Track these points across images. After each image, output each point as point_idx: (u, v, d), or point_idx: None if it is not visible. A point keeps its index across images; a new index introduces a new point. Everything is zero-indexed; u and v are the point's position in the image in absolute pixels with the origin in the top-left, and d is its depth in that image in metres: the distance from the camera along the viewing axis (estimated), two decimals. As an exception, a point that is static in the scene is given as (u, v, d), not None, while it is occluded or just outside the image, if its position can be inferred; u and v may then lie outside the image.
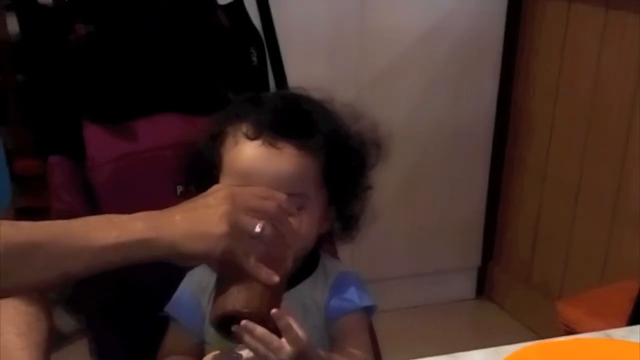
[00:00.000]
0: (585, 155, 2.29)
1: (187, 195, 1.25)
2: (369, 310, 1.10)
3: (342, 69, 2.32)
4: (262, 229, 0.94)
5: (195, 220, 0.93)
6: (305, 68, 1.94)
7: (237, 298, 0.94)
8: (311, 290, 1.08)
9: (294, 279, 1.04)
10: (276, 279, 0.94)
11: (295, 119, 1.05)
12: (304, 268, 1.08)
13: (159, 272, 1.11)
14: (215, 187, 1.00)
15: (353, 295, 1.08)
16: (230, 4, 1.40)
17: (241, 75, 1.37)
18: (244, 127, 1.05)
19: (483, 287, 2.78)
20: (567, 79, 2.34)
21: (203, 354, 1.09)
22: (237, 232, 0.93)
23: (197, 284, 1.12)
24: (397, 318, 2.42)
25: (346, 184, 1.08)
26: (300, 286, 1.07)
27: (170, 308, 1.13)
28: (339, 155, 1.06)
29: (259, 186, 1.00)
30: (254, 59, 1.39)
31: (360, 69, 2.35)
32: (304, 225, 1.03)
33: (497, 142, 2.60)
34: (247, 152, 1.03)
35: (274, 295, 0.95)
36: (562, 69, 2.35)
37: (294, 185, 1.02)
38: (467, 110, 2.52)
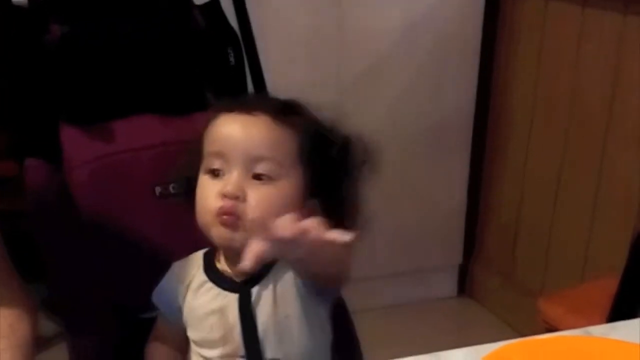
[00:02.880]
0: (565, 152, 2.30)
1: (166, 195, 1.25)
2: None
3: (322, 69, 2.32)
4: None
5: None
6: (285, 69, 1.94)
7: None
8: (278, 278, 1.06)
9: (260, 274, 1.04)
10: None
11: (276, 100, 1.08)
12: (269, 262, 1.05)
13: (141, 273, 1.11)
14: None
15: None
16: (206, 4, 1.40)
17: (219, 76, 1.36)
18: (223, 106, 1.07)
19: (464, 285, 2.78)
20: (545, 76, 2.35)
21: (187, 343, 1.10)
22: None
23: (176, 276, 1.13)
24: (378, 317, 2.42)
25: (327, 173, 1.07)
26: (266, 279, 1.06)
27: (154, 296, 1.14)
28: (318, 140, 1.06)
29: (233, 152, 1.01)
30: (232, 59, 1.39)
31: (340, 69, 2.35)
32: (269, 198, 1.02)
33: (477, 140, 2.61)
34: (223, 121, 1.05)
35: None
36: (540, 66, 2.36)
37: (265, 148, 1.02)
38: (447, 108, 2.52)
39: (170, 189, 1.25)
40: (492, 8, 2.47)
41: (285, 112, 1.06)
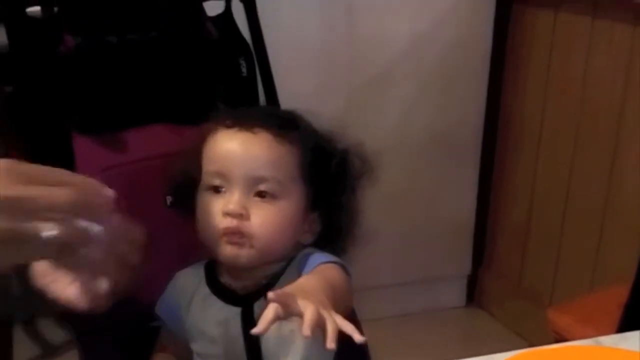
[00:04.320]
0: (574, 162, 2.30)
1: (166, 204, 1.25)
2: (342, 267, 1.03)
3: (332, 78, 2.33)
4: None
5: None
6: (295, 78, 1.95)
7: None
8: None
9: (265, 288, 1.03)
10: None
11: (274, 114, 1.08)
12: (274, 276, 1.06)
13: (152, 282, 1.11)
14: None
15: (319, 257, 1.04)
16: (218, 15, 1.40)
17: (231, 86, 1.37)
18: (223, 121, 1.07)
19: (473, 294, 2.78)
20: (555, 87, 2.35)
21: (190, 355, 1.10)
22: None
23: (178, 288, 1.13)
24: (386, 327, 2.42)
25: (326, 186, 1.07)
26: (276, 287, 1.03)
27: (157, 307, 1.14)
28: (318, 153, 1.06)
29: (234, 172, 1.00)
30: (244, 69, 1.39)
31: (349, 78, 2.36)
32: (272, 216, 1.02)
33: (486, 149, 2.61)
34: (223, 138, 1.05)
35: None
36: (550, 77, 2.36)
37: (267, 168, 1.02)
38: (456, 117, 2.53)
39: (167, 201, 1.25)
40: (502, 19, 2.48)
41: (286, 127, 1.05)
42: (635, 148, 2.08)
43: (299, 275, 1.03)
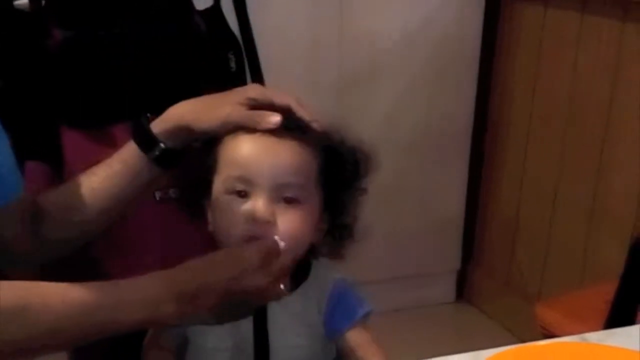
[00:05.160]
0: (563, 157, 2.30)
1: (166, 201, 1.25)
2: (367, 315, 1.11)
3: (322, 75, 2.33)
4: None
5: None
6: (284, 74, 1.94)
7: None
8: (302, 302, 1.07)
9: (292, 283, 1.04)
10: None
11: (291, 117, 1.04)
12: (293, 277, 1.06)
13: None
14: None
15: (354, 306, 1.09)
16: (207, 9, 1.40)
17: (219, 80, 1.37)
18: None
19: (462, 290, 2.79)
20: (544, 82, 2.35)
21: (185, 349, 1.09)
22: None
23: None
24: (376, 322, 2.42)
25: (341, 189, 1.07)
26: (289, 298, 1.04)
27: None
28: (333, 156, 1.06)
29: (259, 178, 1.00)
30: (232, 64, 1.39)
31: (339, 74, 2.36)
32: (298, 221, 1.01)
33: (476, 145, 2.62)
34: (246, 142, 1.02)
35: None
36: (539, 72, 2.37)
37: (292, 175, 1.01)
38: (446, 113, 2.53)
39: (171, 193, 1.25)
40: (492, 15, 2.48)
41: (306, 130, 1.03)
42: (623, 144, 2.09)
43: (321, 298, 1.07)
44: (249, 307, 0.97)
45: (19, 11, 1.28)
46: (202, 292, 0.91)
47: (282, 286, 0.97)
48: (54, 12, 1.26)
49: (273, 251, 0.96)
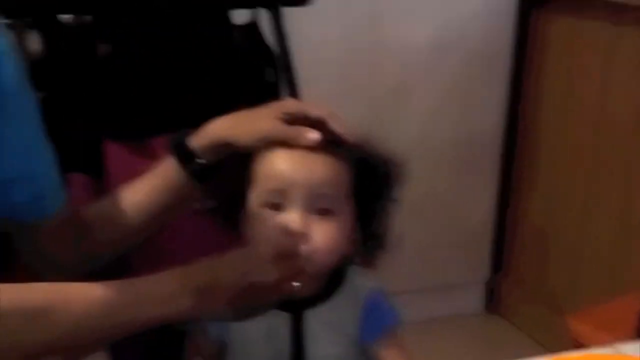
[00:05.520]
0: (594, 169, 2.30)
1: (201, 212, 1.27)
2: (397, 327, 1.13)
3: (354, 86, 2.35)
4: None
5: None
6: (318, 85, 1.96)
7: None
8: (337, 311, 1.07)
9: (317, 297, 1.05)
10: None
11: (325, 130, 1.05)
12: (328, 286, 1.07)
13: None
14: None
15: (388, 316, 1.11)
16: (246, 24, 1.42)
17: (257, 94, 1.39)
18: None
19: (491, 301, 2.79)
20: (575, 93, 2.35)
21: (225, 356, 1.10)
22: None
23: None
24: (404, 332, 2.42)
25: (373, 200, 1.08)
26: (324, 306, 1.06)
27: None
28: (365, 168, 1.07)
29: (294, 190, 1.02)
30: (269, 77, 1.41)
31: (371, 85, 2.38)
32: (332, 232, 1.02)
33: (506, 155, 2.62)
34: (281, 157, 1.03)
35: None
36: (570, 83, 2.37)
37: (326, 186, 1.02)
38: (476, 124, 2.54)
39: (206, 205, 1.27)
40: (523, 26, 2.49)
41: (338, 141, 1.04)
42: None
43: (356, 307, 1.07)
44: (262, 304, 0.99)
45: (65, 25, 1.30)
46: (216, 287, 0.93)
47: (296, 284, 0.97)
48: (99, 26, 1.28)
49: (290, 253, 0.98)
